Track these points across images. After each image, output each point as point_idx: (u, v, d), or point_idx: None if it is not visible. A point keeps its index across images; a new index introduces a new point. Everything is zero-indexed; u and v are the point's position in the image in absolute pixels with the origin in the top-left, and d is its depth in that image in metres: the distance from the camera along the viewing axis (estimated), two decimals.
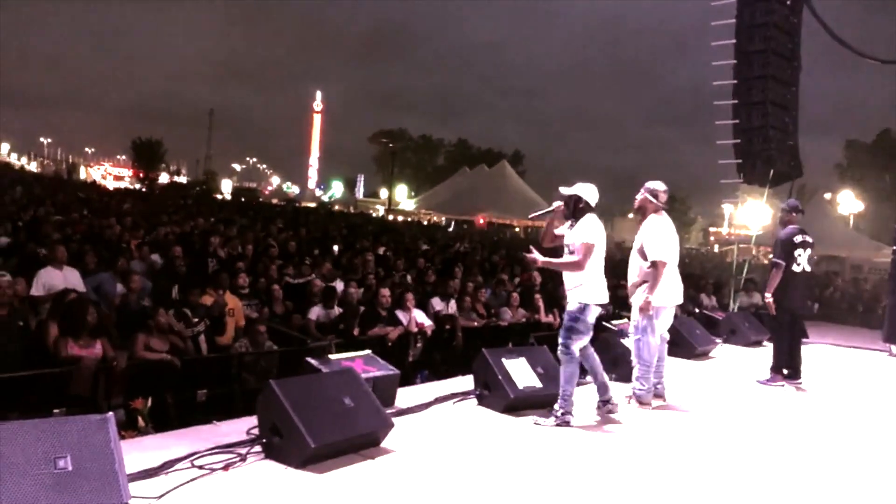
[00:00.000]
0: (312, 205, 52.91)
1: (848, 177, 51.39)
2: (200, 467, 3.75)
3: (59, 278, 7.10)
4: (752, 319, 10.21)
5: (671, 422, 5.67)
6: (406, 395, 5.67)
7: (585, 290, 5.15)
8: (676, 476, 4.37)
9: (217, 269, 9.18)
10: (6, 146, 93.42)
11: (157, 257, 9.98)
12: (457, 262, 12.90)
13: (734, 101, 11.14)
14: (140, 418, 4.93)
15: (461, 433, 4.92)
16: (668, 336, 6.25)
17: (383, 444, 4.38)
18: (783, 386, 7.22)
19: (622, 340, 6.84)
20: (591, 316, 5.20)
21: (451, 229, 37.40)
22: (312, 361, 5.20)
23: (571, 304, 5.19)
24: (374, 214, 50.23)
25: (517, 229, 41.99)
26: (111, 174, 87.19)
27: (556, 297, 5.23)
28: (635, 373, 5.96)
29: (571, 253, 5.21)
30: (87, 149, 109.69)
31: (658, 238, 5.84)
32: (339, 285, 9.05)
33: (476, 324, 9.31)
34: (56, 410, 4.89)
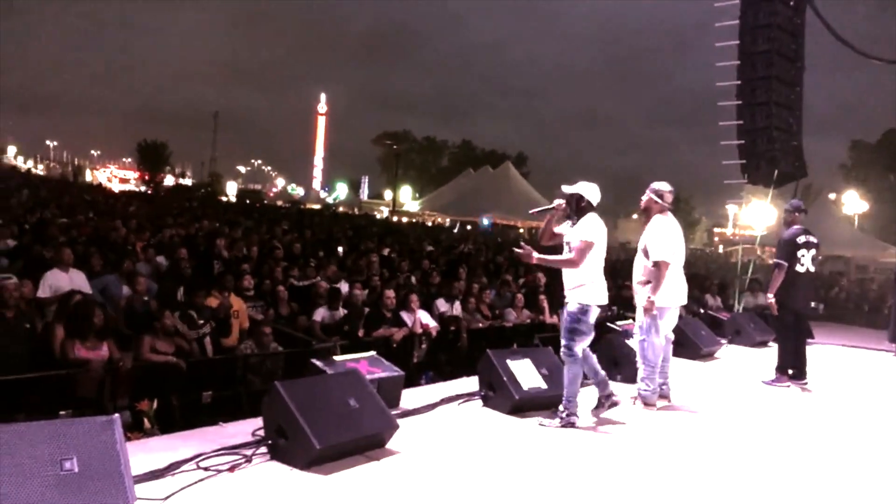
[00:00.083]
0: (317, 206, 53.03)
1: (853, 177, 51.25)
2: (206, 469, 3.76)
3: (65, 280, 7.13)
4: (757, 320, 10.18)
5: (676, 423, 5.66)
6: (411, 397, 5.68)
7: (586, 290, 5.14)
8: (682, 477, 4.36)
9: (222, 270, 9.20)
10: (13, 149, 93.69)
11: (163, 259, 10.01)
12: (461, 263, 12.91)
13: (738, 101, 11.13)
14: (146, 420, 4.93)
15: (466, 434, 4.92)
16: (672, 337, 6.24)
17: (388, 446, 4.39)
18: (788, 386, 7.20)
19: (627, 341, 6.84)
20: (593, 317, 5.19)
21: (456, 230, 37.38)
22: (317, 363, 5.21)
23: (572, 305, 5.17)
24: (378, 216, 50.27)
25: (521, 230, 42.00)
26: (117, 177, 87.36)
27: (560, 298, 5.21)
28: (640, 373, 5.95)
29: (571, 251, 5.21)
30: (92, 151, 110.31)
31: (661, 238, 5.83)
32: (344, 287, 9.05)
33: (481, 325, 9.32)
34: (62, 412, 4.92)
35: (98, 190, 40.92)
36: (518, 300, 10.12)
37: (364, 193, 76.77)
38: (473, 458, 4.42)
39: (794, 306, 7.18)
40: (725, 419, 5.93)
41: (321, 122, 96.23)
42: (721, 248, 54.43)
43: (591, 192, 5.28)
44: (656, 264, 5.76)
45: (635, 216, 53.49)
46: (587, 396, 5.51)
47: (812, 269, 7.22)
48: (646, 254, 5.92)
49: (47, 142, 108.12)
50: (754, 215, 15.21)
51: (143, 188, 61.35)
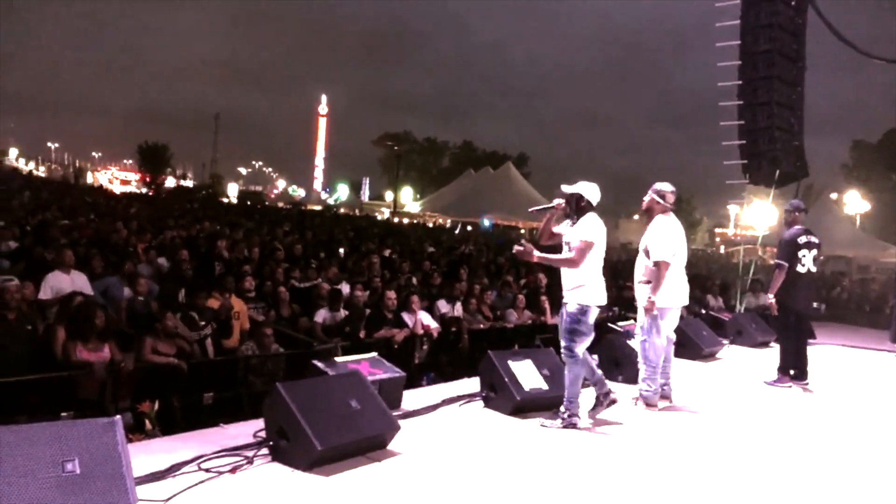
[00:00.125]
0: (318, 208, 53.05)
1: (854, 177, 51.19)
2: (207, 470, 3.76)
3: (66, 282, 7.13)
4: (759, 320, 10.18)
5: (678, 423, 5.66)
6: (412, 398, 5.68)
7: (586, 291, 5.13)
8: (684, 478, 4.36)
9: (223, 272, 9.20)
10: (14, 151, 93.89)
11: (164, 261, 10.03)
12: (462, 264, 12.90)
13: (740, 101, 11.13)
14: (147, 421, 4.93)
15: (468, 435, 4.92)
16: (674, 337, 6.24)
17: (390, 447, 4.39)
18: (790, 387, 7.19)
19: (628, 342, 6.84)
20: (592, 317, 5.19)
21: (457, 231, 37.39)
22: (319, 364, 5.21)
23: (571, 306, 5.15)
24: (379, 217, 50.27)
25: (522, 231, 41.98)
26: (118, 178, 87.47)
27: (560, 299, 5.21)
28: (641, 374, 5.95)
29: (571, 251, 5.20)
30: (93, 153, 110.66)
31: (662, 238, 5.84)
32: (345, 288, 9.05)
33: (482, 326, 9.32)
34: (64, 414, 4.92)
35: (99, 192, 40.94)
36: (519, 301, 10.12)
37: (365, 194, 76.80)
38: (475, 460, 4.41)
39: (795, 307, 7.18)
40: (727, 420, 5.93)
41: (322, 124, 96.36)
42: (722, 249, 54.34)
43: (590, 191, 5.27)
44: (656, 264, 5.77)
45: (636, 216, 53.53)
46: (589, 397, 5.51)
47: (813, 269, 7.21)
48: (647, 254, 5.93)
49: (48, 144, 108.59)
50: (756, 215, 15.23)
51: (144, 190, 61.38)
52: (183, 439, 4.38)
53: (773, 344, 9.36)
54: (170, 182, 72.12)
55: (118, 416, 3.12)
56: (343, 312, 8.23)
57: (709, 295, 12.53)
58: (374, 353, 5.76)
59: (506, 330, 9.44)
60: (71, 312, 6.03)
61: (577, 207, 5.26)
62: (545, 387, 5.55)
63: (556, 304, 9.86)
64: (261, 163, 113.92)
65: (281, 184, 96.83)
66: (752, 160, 11.05)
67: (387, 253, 14.44)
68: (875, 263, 29.66)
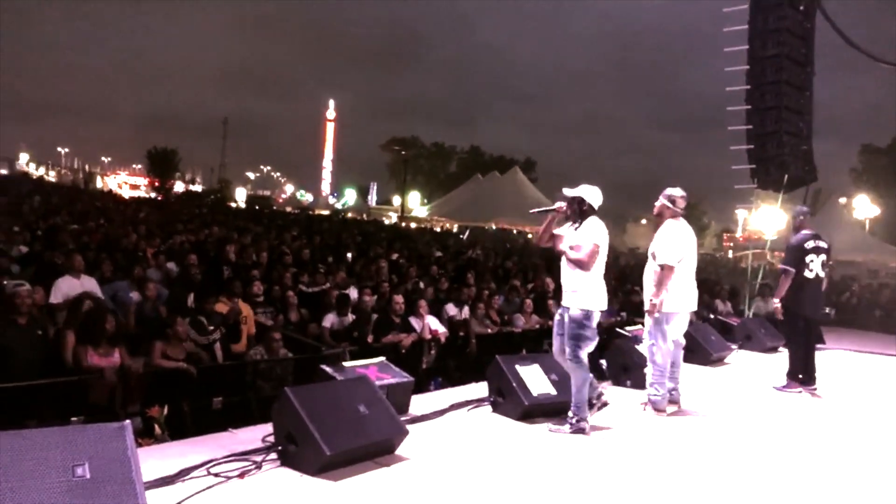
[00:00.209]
0: (326, 212, 53.13)
1: (863, 181, 51.03)
2: (216, 475, 3.78)
3: (76, 287, 7.17)
4: (768, 325, 10.14)
5: (687, 428, 5.64)
6: (420, 403, 5.68)
7: (589, 295, 5.12)
8: (692, 483, 4.35)
9: (231, 276, 9.23)
10: (25, 156, 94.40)
11: (173, 265, 10.06)
12: (469, 268, 12.90)
13: (748, 106, 11.10)
14: (157, 426, 4.95)
15: (476, 440, 4.92)
16: (683, 342, 6.24)
17: (398, 452, 4.39)
18: (800, 392, 7.16)
19: (636, 347, 6.83)
20: (596, 321, 5.19)
21: (464, 236, 37.36)
22: (327, 369, 5.22)
23: (574, 311, 5.13)
24: (387, 221, 50.31)
25: (530, 236, 41.90)
26: (127, 183, 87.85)
27: None
28: (649, 378, 5.94)
29: (579, 253, 5.18)
30: (103, 158, 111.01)
31: (669, 243, 5.85)
32: (353, 292, 9.07)
33: (490, 330, 9.32)
34: (74, 418, 4.94)
35: (109, 196, 41.24)
36: (527, 305, 10.12)
37: (373, 199, 76.81)
38: (483, 465, 4.41)
39: (803, 312, 7.15)
40: (736, 425, 5.91)
41: (330, 128, 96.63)
42: (731, 253, 54.10)
43: (593, 195, 5.26)
44: (662, 268, 5.77)
45: (644, 221, 53.38)
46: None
47: (822, 274, 7.18)
48: (654, 258, 5.94)
49: (59, 148, 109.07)
50: (764, 220, 15.14)
51: (153, 195, 61.57)
52: (192, 444, 4.40)
53: (782, 349, 9.32)
54: (179, 187, 72.43)
55: (128, 421, 3.12)
56: (351, 317, 8.24)
57: (717, 300, 12.49)
58: (382, 358, 5.76)
59: (513, 335, 9.43)
60: (81, 317, 6.06)
61: (579, 211, 5.26)
62: (553, 392, 5.55)
63: None
64: (269, 167, 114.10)
65: (289, 188, 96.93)
66: (760, 165, 11.01)
67: (394, 257, 14.46)
68: (884, 268, 29.52)
